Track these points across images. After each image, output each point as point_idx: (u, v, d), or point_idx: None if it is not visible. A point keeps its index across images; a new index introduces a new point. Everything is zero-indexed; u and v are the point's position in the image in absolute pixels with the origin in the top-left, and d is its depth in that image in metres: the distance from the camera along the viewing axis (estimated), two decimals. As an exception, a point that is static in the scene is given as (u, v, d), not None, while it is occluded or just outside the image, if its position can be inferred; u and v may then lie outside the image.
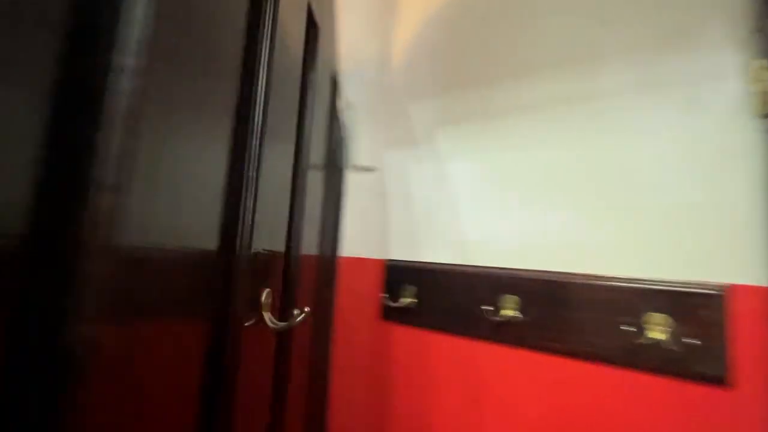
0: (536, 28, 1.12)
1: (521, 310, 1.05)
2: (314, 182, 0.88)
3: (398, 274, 1.29)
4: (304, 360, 0.90)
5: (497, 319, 1.06)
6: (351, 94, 1.21)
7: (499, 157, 1.15)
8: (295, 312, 0.67)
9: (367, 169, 1.32)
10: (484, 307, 1.10)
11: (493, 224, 1.15)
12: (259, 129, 0.50)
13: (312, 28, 0.76)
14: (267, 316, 0.57)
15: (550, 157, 1.06)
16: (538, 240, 1.06)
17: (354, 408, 1.26)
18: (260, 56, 0.49)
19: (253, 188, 0.51)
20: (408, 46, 1.38)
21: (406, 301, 1.26)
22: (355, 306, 1.28)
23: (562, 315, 0.98)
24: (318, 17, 0.79)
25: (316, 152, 0.85)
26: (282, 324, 0.61)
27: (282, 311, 0.67)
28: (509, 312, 1.06)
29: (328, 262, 1.20)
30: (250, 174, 0.50)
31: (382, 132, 1.38)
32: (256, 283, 0.55)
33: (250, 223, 0.50)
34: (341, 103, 1.21)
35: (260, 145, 0.50)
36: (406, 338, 1.24)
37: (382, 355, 1.27)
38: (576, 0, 1.05)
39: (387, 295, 1.28)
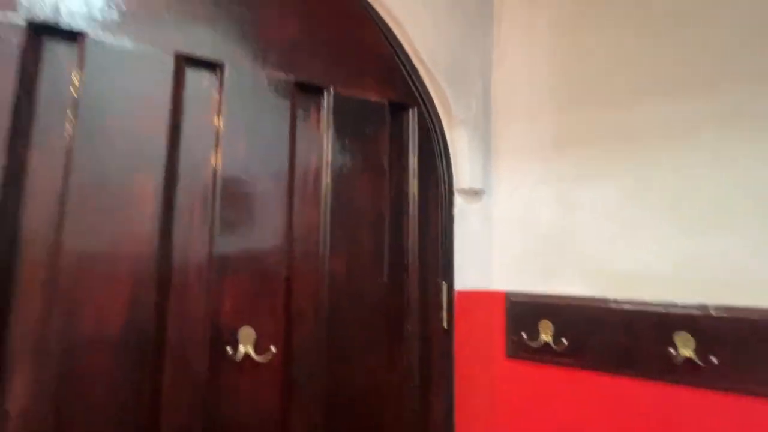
0: (682, 42, 1.00)
1: (698, 350, 0.89)
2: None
3: (527, 309, 1.13)
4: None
5: (669, 359, 0.91)
6: (458, 111, 1.19)
7: (646, 181, 1.02)
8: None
9: (475, 192, 1.22)
10: (652, 346, 0.95)
11: (648, 253, 0.99)
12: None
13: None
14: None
15: (711, 181, 0.94)
16: (713, 271, 0.92)
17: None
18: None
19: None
20: (514, 60, 1.25)
21: (543, 338, 1.07)
22: (475, 342, 1.16)
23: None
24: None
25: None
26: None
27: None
28: (685, 351, 0.90)
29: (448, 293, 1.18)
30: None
31: (489, 152, 1.25)
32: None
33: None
34: (448, 121, 1.21)
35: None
36: (546, 377, 1.09)
37: (512, 393, 1.12)
38: (732, 13, 0.94)
39: (518, 336, 1.11)
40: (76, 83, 0.79)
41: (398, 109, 1.16)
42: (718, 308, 0.89)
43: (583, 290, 1.07)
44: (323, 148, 1.03)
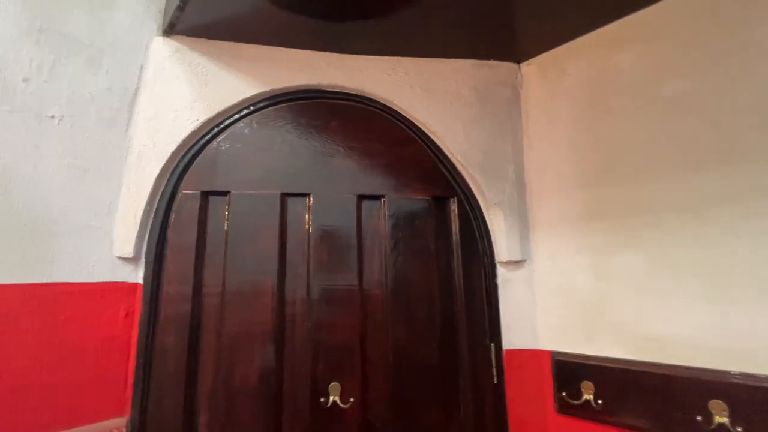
0: (690, 125, 1.11)
1: (731, 417, 0.96)
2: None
3: (571, 369, 1.26)
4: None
5: (704, 427, 0.99)
6: (492, 196, 1.43)
7: (670, 251, 1.12)
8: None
9: (516, 262, 1.41)
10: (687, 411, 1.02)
11: (678, 320, 1.09)
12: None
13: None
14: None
15: (733, 254, 1.01)
16: (739, 339, 0.99)
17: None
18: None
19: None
20: (541, 146, 1.45)
21: (586, 397, 1.20)
22: (526, 396, 1.32)
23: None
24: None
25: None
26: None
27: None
28: (720, 419, 0.97)
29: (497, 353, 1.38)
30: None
31: (527, 226, 1.44)
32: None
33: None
34: (485, 204, 1.45)
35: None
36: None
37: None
38: (734, 99, 1.05)
39: (564, 393, 1.25)
40: (226, 222, 1.27)
41: (441, 200, 1.44)
42: (744, 376, 0.94)
43: (619, 353, 1.17)
44: (383, 241, 1.36)
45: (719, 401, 0.97)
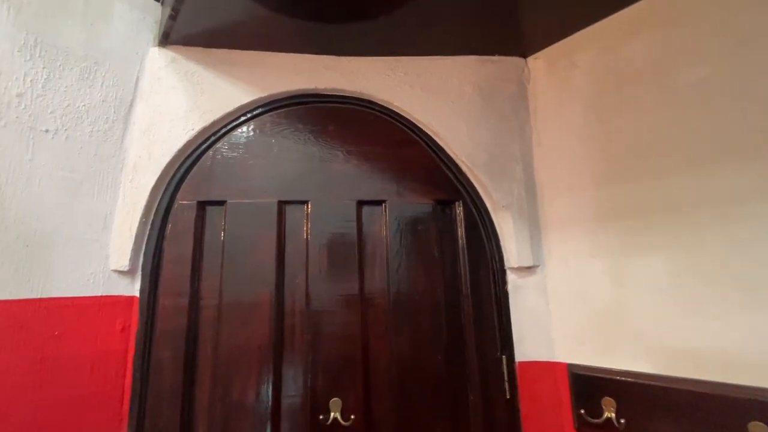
0: (714, 112, 1.01)
1: None
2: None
3: (590, 383, 1.16)
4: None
5: None
6: (500, 198, 1.35)
7: (695, 253, 1.02)
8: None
9: (528, 268, 1.32)
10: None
11: (709, 329, 0.98)
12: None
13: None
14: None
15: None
16: None
17: None
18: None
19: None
20: (551, 143, 1.36)
21: (607, 415, 1.10)
22: (542, 413, 1.22)
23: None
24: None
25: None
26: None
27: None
28: None
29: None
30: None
31: (539, 229, 1.35)
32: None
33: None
34: (492, 207, 1.38)
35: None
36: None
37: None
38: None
39: (583, 410, 1.15)
40: (223, 232, 1.24)
41: (446, 204, 1.37)
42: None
43: (644, 366, 1.07)
44: (385, 248, 1.30)
45: (761, 424, 0.86)
